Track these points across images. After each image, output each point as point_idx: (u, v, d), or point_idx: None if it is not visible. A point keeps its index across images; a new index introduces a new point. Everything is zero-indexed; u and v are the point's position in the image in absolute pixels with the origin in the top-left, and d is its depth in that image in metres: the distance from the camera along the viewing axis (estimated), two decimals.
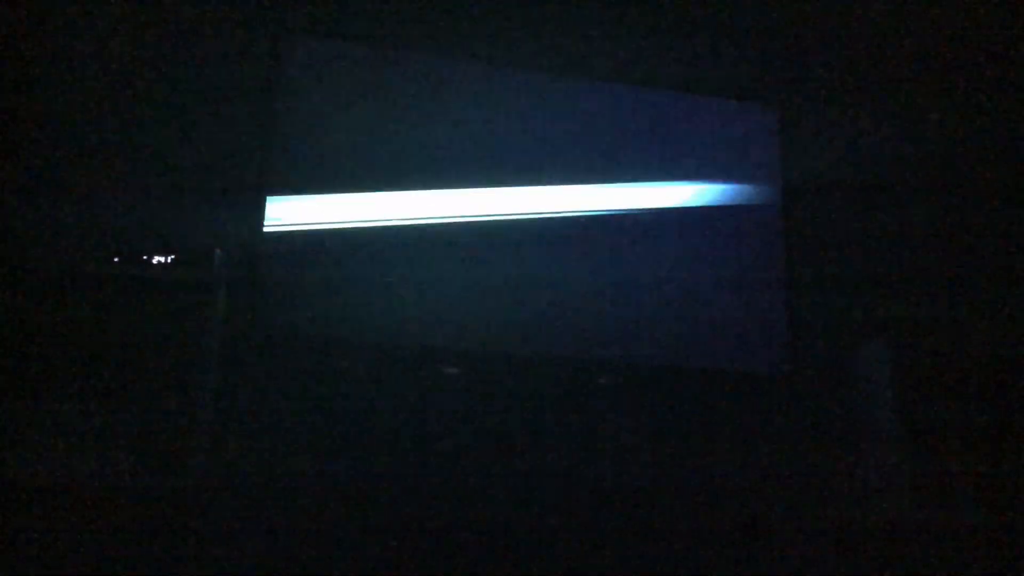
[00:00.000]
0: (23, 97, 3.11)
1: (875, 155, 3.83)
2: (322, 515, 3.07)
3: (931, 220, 3.80)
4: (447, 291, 3.30)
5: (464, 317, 3.30)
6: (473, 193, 3.42)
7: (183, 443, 2.96)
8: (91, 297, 2.99)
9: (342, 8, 3.48)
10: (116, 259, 3.02)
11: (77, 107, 3.16)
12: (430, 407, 3.27)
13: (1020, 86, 3.83)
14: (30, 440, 2.87)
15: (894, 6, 3.84)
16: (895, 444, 3.52)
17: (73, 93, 3.17)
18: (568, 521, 3.25)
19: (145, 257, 3.04)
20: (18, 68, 3.10)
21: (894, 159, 3.84)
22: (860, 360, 3.61)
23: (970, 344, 3.64)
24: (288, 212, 3.22)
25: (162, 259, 3.06)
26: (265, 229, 3.19)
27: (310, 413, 3.18)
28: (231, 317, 3.11)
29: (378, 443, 3.21)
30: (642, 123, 3.65)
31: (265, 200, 3.23)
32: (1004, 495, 3.49)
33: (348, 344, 3.23)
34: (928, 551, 3.39)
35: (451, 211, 3.37)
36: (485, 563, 3.13)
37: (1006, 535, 3.42)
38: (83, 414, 2.93)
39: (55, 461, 2.88)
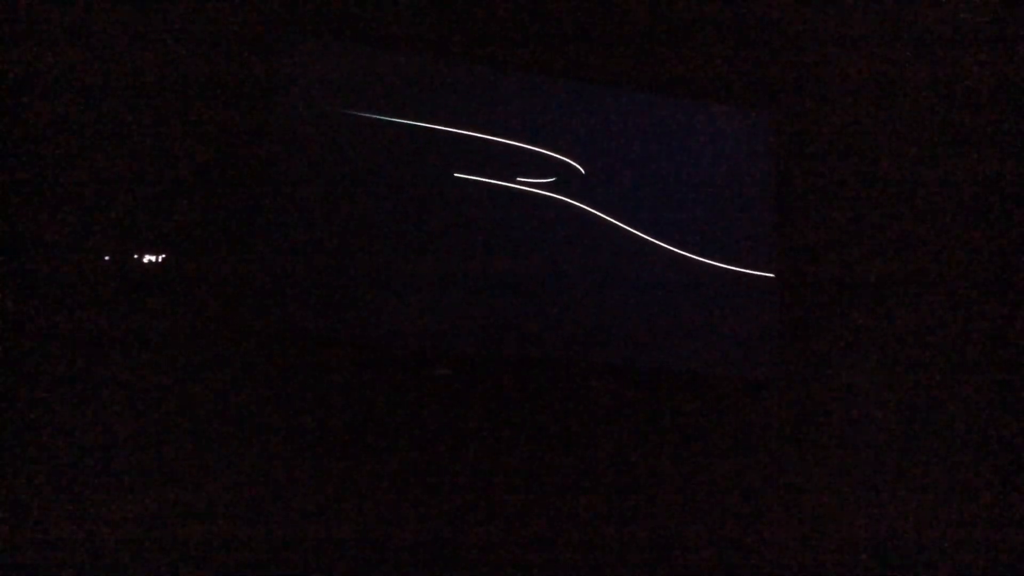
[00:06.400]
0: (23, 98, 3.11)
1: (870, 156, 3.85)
2: (319, 514, 3.10)
3: (924, 222, 3.81)
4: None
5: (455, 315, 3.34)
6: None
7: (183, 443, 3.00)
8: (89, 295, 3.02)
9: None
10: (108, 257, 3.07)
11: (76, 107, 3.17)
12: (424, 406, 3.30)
13: (1014, 88, 3.84)
14: (28, 439, 2.89)
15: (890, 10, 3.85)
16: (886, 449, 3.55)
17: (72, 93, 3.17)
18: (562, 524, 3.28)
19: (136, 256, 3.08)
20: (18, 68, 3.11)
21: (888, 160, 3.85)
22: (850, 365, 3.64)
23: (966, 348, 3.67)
24: None
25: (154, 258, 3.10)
26: None
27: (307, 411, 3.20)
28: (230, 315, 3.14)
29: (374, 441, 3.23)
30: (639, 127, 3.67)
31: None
32: (998, 499, 3.51)
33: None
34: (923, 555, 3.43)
35: None
36: (476, 564, 3.15)
37: (999, 538, 3.44)
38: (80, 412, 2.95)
39: (53, 459, 2.90)
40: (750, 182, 3.71)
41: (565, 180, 3.53)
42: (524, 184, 3.50)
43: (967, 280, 3.75)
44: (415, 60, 3.47)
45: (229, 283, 3.16)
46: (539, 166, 3.52)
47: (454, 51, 3.52)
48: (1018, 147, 3.81)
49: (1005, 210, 3.78)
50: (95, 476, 2.92)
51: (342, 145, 3.33)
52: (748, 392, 3.57)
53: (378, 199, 3.34)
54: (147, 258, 3.13)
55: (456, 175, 3.42)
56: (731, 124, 3.76)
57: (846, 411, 3.60)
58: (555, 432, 3.38)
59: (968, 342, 3.69)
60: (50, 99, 3.11)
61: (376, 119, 3.38)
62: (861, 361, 3.65)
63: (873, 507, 3.50)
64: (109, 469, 2.94)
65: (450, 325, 3.33)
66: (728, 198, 3.68)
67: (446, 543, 3.16)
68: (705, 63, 3.75)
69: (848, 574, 3.43)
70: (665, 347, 3.51)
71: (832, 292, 3.70)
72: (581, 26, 3.65)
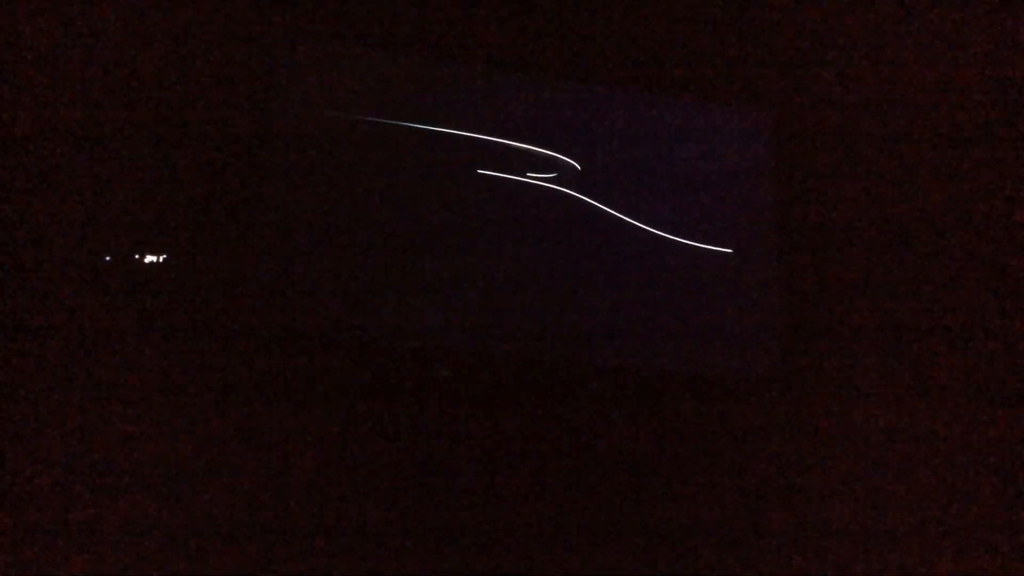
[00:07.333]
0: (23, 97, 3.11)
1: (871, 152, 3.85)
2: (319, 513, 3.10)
3: (924, 221, 3.81)
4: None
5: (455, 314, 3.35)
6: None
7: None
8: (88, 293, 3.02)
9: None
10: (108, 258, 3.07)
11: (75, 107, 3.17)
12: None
13: (1014, 88, 3.84)
14: (29, 438, 2.89)
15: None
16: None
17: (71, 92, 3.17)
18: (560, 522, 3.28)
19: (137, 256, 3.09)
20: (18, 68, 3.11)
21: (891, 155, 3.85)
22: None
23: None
24: None
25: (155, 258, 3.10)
26: None
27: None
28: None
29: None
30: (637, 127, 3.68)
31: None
32: (999, 498, 3.51)
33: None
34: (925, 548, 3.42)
35: None
36: (476, 564, 3.15)
37: (999, 538, 3.44)
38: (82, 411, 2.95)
39: (53, 459, 2.90)
40: (749, 182, 3.72)
41: (565, 179, 3.54)
42: (522, 181, 3.51)
43: (967, 279, 3.75)
44: (414, 61, 3.48)
45: (229, 283, 3.16)
46: (538, 166, 3.53)
47: (453, 52, 3.53)
48: (1017, 146, 3.81)
49: (1005, 209, 3.78)
50: (95, 476, 2.92)
51: (337, 146, 3.34)
52: (748, 392, 3.57)
53: (375, 199, 3.35)
54: (147, 258, 3.13)
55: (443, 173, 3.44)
56: (731, 124, 3.77)
57: (846, 411, 3.60)
58: (555, 432, 3.37)
59: (969, 341, 3.68)
60: (50, 99, 3.11)
61: (371, 121, 3.39)
62: (861, 360, 3.64)
63: (873, 507, 3.50)
64: (109, 469, 2.94)
65: (450, 325, 3.34)
66: (728, 197, 3.69)
67: (446, 542, 3.15)
68: (705, 63, 3.75)
69: (848, 573, 3.42)
70: (665, 347, 3.52)
71: (832, 292, 3.70)
72: (581, 26, 3.65)
